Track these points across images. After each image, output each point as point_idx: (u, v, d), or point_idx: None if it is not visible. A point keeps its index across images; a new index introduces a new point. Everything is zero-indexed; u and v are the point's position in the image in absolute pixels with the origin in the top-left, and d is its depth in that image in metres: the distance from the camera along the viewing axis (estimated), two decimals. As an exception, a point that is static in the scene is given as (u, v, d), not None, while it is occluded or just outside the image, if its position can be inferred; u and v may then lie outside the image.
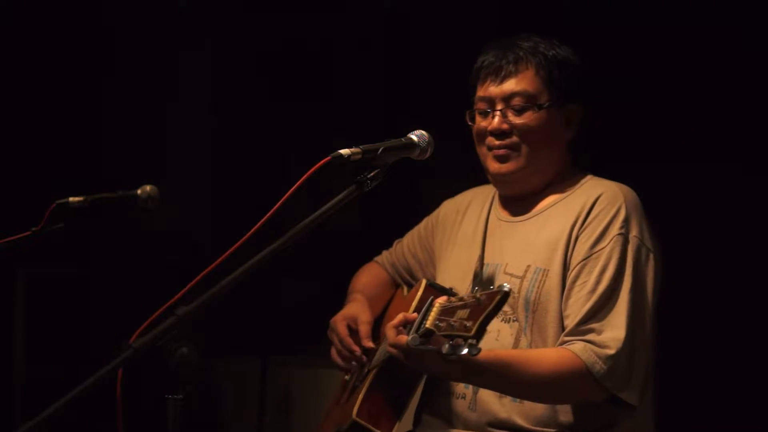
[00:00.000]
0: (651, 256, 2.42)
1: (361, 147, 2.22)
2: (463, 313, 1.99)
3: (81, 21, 4.46)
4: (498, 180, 2.58)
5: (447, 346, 1.95)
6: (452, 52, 2.61)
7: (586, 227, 2.42)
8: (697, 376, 3.33)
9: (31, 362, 4.53)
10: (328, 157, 2.15)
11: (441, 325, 2.02)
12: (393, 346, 2.31)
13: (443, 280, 2.69)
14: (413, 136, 2.37)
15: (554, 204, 2.53)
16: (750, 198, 3.33)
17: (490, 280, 2.54)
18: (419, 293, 2.55)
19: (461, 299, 2.05)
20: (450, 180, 2.87)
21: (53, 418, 1.77)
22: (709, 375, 3.34)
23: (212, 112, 4.71)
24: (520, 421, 2.43)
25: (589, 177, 2.57)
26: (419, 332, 2.06)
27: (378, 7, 4.25)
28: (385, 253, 2.95)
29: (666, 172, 3.37)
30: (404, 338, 2.26)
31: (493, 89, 2.53)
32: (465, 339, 1.93)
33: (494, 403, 2.45)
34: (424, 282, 2.60)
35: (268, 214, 2.09)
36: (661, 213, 2.58)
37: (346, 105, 4.34)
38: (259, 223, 2.08)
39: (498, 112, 2.52)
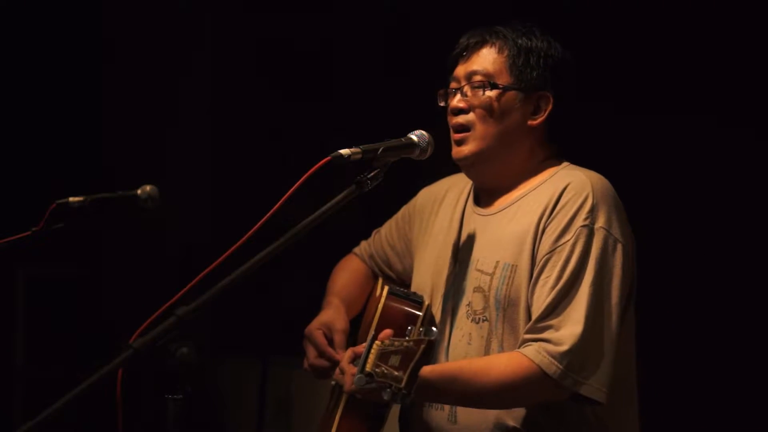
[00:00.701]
0: (619, 246, 2.36)
1: (361, 147, 2.22)
2: (395, 360, 2.01)
3: (81, 21, 4.46)
4: (460, 165, 2.55)
5: (387, 392, 1.98)
6: (452, 51, 2.60)
7: (552, 220, 2.38)
8: (683, 369, 3.33)
9: (31, 362, 4.53)
10: (328, 157, 2.15)
11: (377, 371, 2.03)
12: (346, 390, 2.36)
13: (419, 274, 2.67)
14: (413, 136, 2.36)
15: (524, 196, 2.49)
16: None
17: (462, 279, 2.52)
18: (381, 303, 2.53)
19: (392, 344, 2.07)
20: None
21: (53, 418, 1.77)
22: (697, 368, 3.34)
23: (212, 112, 4.71)
24: (511, 423, 2.41)
25: (564, 165, 2.52)
26: (363, 373, 2.07)
27: (378, 7, 4.25)
28: (363, 243, 2.91)
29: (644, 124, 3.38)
30: (348, 380, 2.30)
31: (459, 69, 2.54)
32: (398, 389, 1.97)
33: (474, 411, 2.43)
34: (386, 290, 2.57)
35: (268, 214, 2.09)
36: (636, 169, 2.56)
37: (346, 105, 4.34)
38: (259, 223, 2.08)
39: (459, 90, 2.52)
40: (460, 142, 2.51)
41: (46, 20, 4.42)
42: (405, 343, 2.03)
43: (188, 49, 4.66)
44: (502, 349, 2.41)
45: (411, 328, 2.27)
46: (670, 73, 3.44)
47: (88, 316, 4.56)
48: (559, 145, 2.55)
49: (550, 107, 2.49)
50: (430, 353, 2.00)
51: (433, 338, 2.00)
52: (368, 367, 2.05)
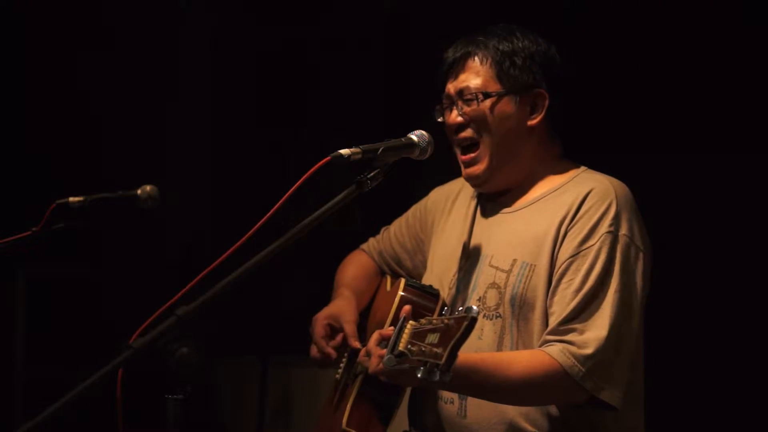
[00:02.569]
0: (641, 255, 2.39)
1: (361, 147, 2.22)
2: (433, 338, 1.99)
3: (81, 21, 4.46)
4: (471, 183, 2.57)
5: (421, 370, 1.96)
6: (440, 68, 2.60)
7: (575, 224, 2.39)
8: (689, 378, 3.33)
9: (31, 362, 4.53)
10: (328, 157, 2.15)
11: (413, 349, 2.02)
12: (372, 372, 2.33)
13: (431, 270, 2.67)
14: (413, 136, 2.37)
15: (544, 196, 2.50)
16: (746, 191, 3.34)
17: (473, 274, 2.52)
18: (398, 294, 2.53)
19: (430, 322, 2.05)
20: (451, 179, 2.87)
21: (53, 418, 1.77)
22: (702, 377, 3.34)
23: (212, 112, 4.71)
24: (520, 422, 2.41)
25: (582, 169, 2.54)
26: (394, 353, 2.06)
27: (378, 7, 4.25)
28: (371, 240, 2.92)
29: (660, 163, 3.38)
30: (376, 361, 2.28)
31: (449, 85, 2.55)
32: (437, 366, 1.94)
33: (485, 407, 2.43)
34: (402, 282, 2.57)
35: (268, 214, 2.09)
36: (654, 206, 2.57)
37: (346, 105, 4.34)
38: (259, 223, 2.08)
39: (454, 107, 2.52)
40: (469, 164, 2.52)
41: (46, 20, 4.42)
42: (445, 321, 2.01)
43: (189, 49, 4.66)
44: (514, 347, 2.41)
45: (446, 309, 2.26)
46: (674, 78, 3.44)
47: (88, 316, 4.56)
48: (563, 138, 2.55)
49: (546, 103, 2.50)
50: (471, 331, 1.97)
51: (475, 316, 1.97)
52: (401, 346, 2.04)
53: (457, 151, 2.55)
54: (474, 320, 1.97)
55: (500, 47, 2.49)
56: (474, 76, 2.49)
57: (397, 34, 4.22)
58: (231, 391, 4.65)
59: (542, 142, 2.53)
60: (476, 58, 2.50)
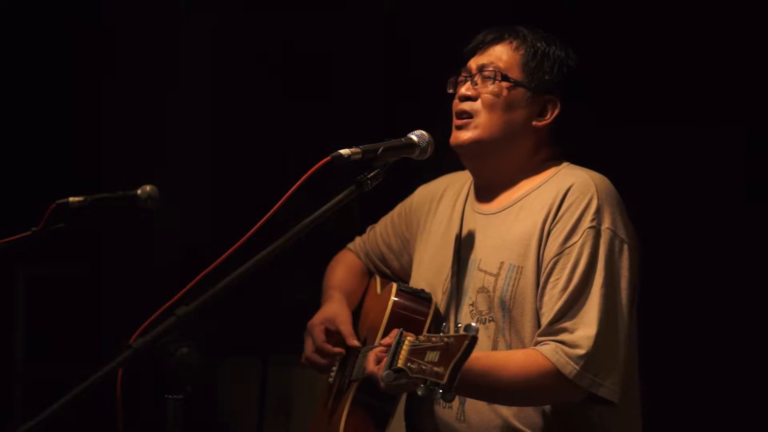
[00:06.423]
0: (625, 247, 2.38)
1: (361, 147, 2.22)
2: (433, 356, 1.99)
3: (81, 21, 4.46)
4: (459, 152, 2.54)
5: (421, 388, 1.96)
6: (452, 51, 2.60)
7: (557, 222, 2.39)
8: (685, 370, 3.33)
9: (31, 362, 4.53)
10: (328, 157, 2.15)
11: (412, 366, 2.01)
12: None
13: (418, 272, 2.67)
14: (413, 136, 2.36)
15: (526, 195, 2.49)
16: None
17: (464, 279, 2.51)
18: (391, 299, 2.51)
19: (429, 339, 2.04)
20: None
21: (53, 418, 1.77)
22: (698, 369, 3.34)
23: (212, 111, 4.71)
24: (518, 425, 2.41)
25: (564, 165, 2.52)
26: (393, 368, 2.05)
27: (378, 7, 4.25)
28: (358, 239, 2.91)
29: (653, 135, 3.39)
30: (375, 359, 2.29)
31: (472, 61, 2.55)
32: (437, 384, 1.94)
33: (483, 411, 2.43)
34: (395, 286, 2.55)
35: (268, 215, 2.09)
36: (646, 202, 2.57)
37: (346, 105, 4.34)
38: (258, 223, 2.08)
39: (469, 80, 2.52)
40: (460, 128, 2.51)
41: (46, 19, 4.42)
42: (445, 339, 2.00)
43: (189, 49, 4.66)
44: (509, 349, 2.41)
45: (444, 325, 2.27)
46: (669, 79, 3.44)
47: (88, 316, 4.56)
48: (562, 149, 2.55)
49: (557, 112, 2.49)
50: (472, 351, 1.97)
51: (475, 334, 1.97)
52: (400, 363, 2.03)
53: (454, 117, 2.54)
54: (475, 339, 1.97)
55: (537, 44, 2.50)
56: (500, 57, 2.50)
57: (397, 34, 4.22)
58: (231, 391, 4.65)
59: (539, 146, 2.52)
60: (511, 44, 2.51)
